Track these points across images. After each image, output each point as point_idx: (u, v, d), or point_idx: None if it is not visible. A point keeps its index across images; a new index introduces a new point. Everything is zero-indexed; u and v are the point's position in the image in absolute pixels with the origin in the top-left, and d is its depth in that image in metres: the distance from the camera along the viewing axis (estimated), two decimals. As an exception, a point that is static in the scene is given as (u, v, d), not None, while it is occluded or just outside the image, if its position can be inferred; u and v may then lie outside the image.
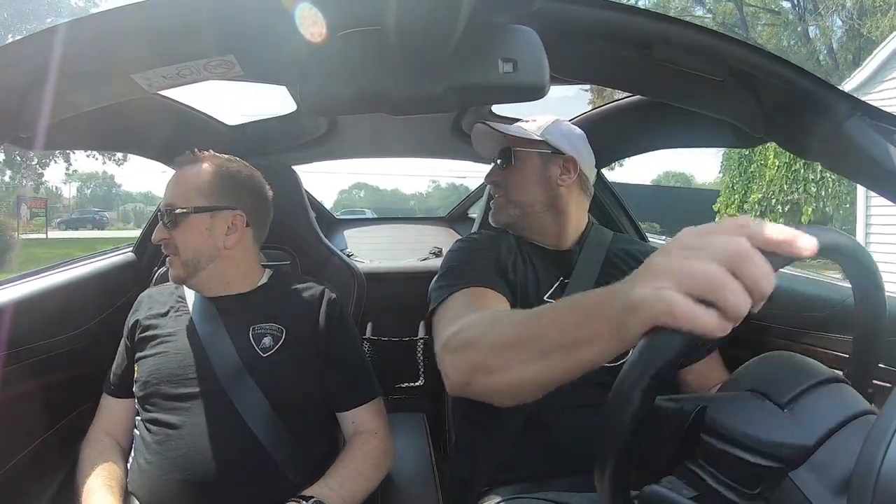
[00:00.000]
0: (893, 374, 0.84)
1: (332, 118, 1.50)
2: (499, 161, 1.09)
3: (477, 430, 1.02)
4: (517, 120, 1.19)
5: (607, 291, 0.51)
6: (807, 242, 0.41)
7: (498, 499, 0.89)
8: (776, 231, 0.42)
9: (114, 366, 1.08)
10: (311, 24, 0.64)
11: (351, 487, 0.93)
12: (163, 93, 1.09)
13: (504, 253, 1.03)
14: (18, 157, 17.75)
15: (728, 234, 0.42)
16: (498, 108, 1.49)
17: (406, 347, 1.75)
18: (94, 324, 1.22)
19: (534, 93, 0.67)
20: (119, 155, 18.29)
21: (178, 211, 1.00)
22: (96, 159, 20.62)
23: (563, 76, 0.77)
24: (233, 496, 0.91)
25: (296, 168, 1.44)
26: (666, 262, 0.43)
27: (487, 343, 0.65)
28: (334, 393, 1.04)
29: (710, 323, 0.40)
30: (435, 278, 0.97)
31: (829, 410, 0.49)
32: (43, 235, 18.80)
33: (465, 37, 0.63)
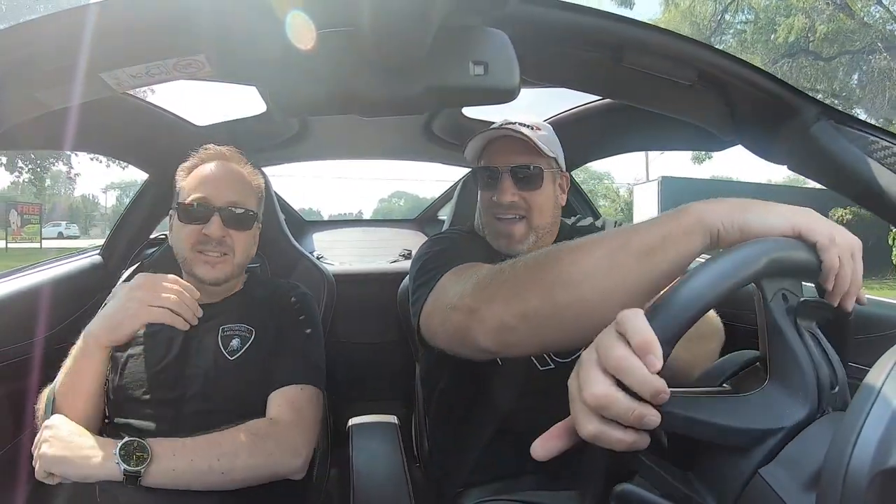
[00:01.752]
0: (861, 371, 0.86)
1: (304, 119, 1.50)
2: (521, 178, 0.95)
3: (450, 432, 1.01)
4: (489, 123, 1.14)
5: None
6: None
7: (472, 500, 0.89)
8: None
9: None
10: (290, 27, 0.64)
11: (197, 453, 0.84)
12: (132, 92, 1.08)
13: (483, 253, 0.99)
14: (20, 161, 16.64)
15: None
16: (468, 110, 1.49)
17: (377, 350, 1.75)
18: (62, 328, 1.20)
19: (504, 95, 0.67)
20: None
21: (249, 213, 0.99)
22: (100, 162, 19.34)
23: (535, 79, 0.77)
24: (206, 499, 0.89)
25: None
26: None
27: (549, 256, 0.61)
28: (270, 373, 0.96)
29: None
30: (412, 278, 0.90)
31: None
32: (36, 245, 17.16)
33: (436, 39, 0.63)
